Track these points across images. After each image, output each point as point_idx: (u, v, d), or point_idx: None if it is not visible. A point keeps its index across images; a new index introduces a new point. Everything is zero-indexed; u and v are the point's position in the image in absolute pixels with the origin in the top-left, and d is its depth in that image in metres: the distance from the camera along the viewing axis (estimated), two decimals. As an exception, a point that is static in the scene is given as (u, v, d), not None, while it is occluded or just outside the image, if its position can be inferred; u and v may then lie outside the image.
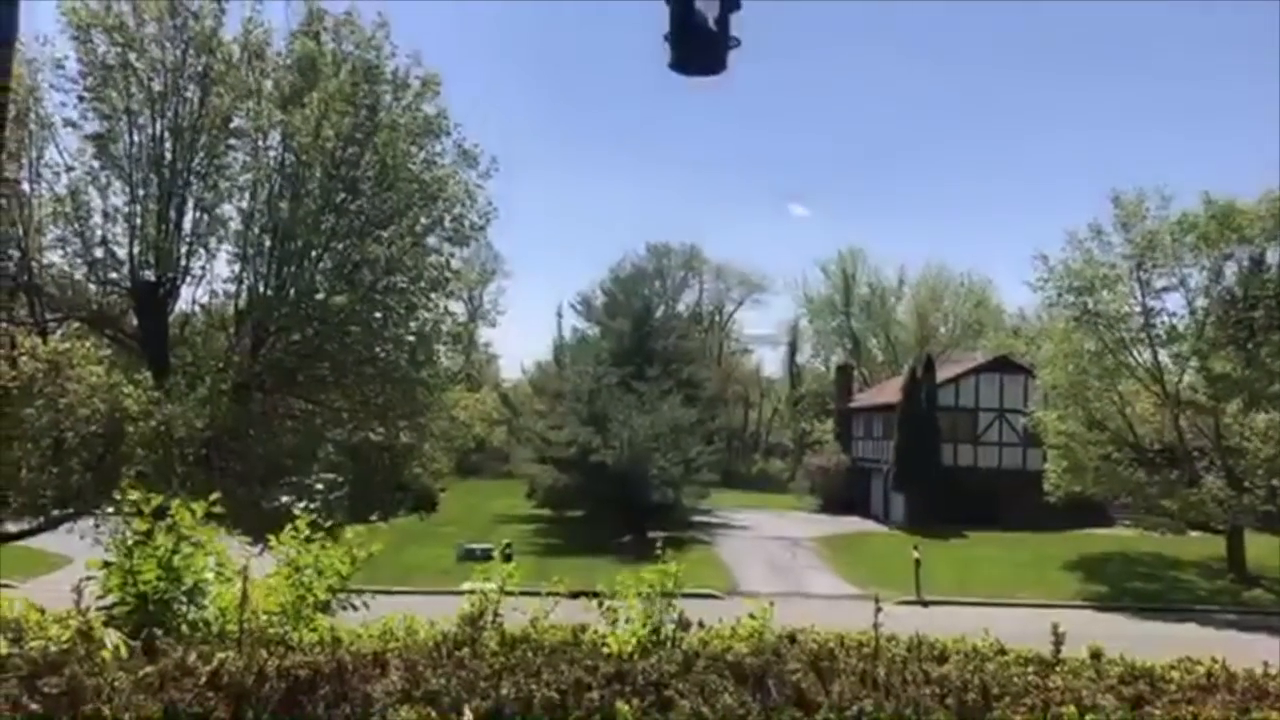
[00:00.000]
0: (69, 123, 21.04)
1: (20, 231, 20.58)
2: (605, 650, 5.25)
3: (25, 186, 20.78)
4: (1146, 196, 33.90)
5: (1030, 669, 4.75)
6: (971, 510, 44.75)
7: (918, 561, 31.43)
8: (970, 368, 53.39)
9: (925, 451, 46.71)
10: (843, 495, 54.87)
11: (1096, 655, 5.05)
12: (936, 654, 5.38)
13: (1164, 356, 34.76)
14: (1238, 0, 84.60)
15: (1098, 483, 36.23)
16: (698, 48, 1.89)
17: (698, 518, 46.15)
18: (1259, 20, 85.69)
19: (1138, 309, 34.53)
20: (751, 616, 6.44)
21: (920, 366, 50.39)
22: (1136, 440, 35.29)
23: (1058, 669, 4.81)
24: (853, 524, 48.59)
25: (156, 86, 20.90)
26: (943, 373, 52.08)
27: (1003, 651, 5.69)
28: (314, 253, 22.07)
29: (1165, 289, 34.27)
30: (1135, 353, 35.22)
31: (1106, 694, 4.10)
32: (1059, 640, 5.23)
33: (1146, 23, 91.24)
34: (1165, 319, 34.39)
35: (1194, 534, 36.63)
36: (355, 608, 7.51)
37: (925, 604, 29.71)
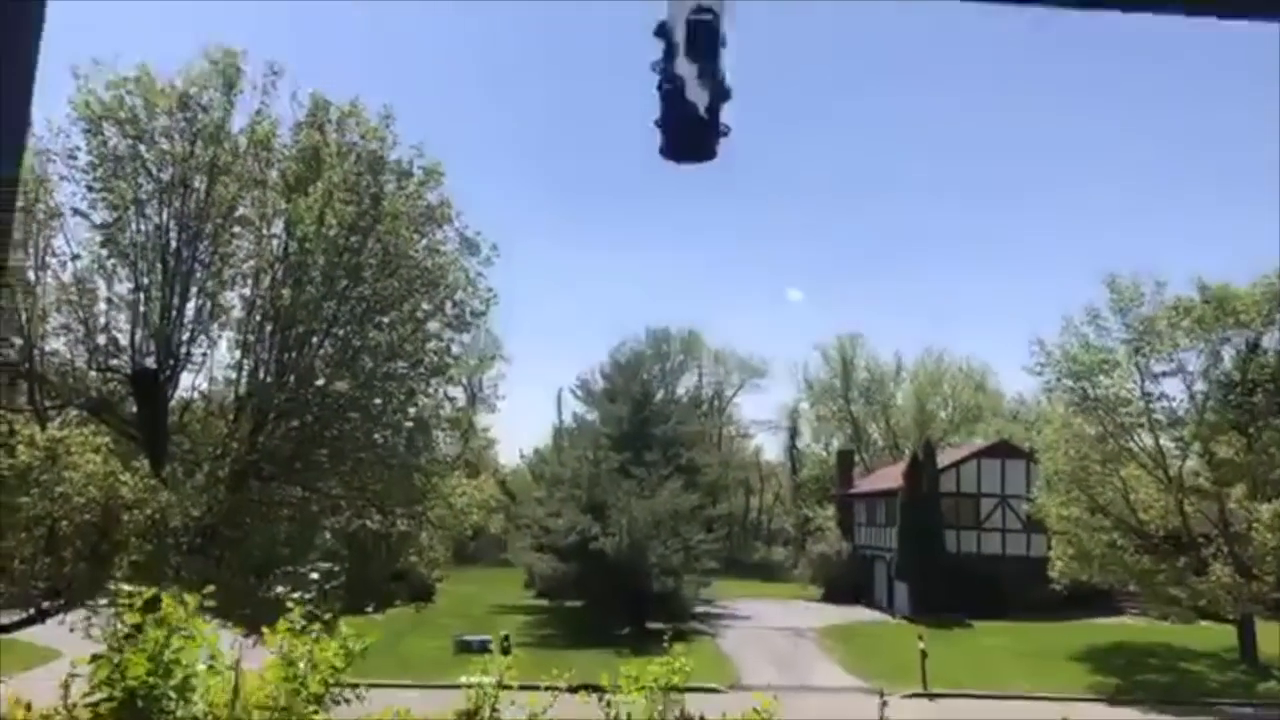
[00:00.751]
0: (78, 212, 21.38)
1: (24, 319, 20.71)
2: (605, 747, 5.10)
3: (31, 274, 20.99)
4: (1141, 281, 34.24)
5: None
6: (976, 598, 44.03)
7: (923, 652, 30.78)
8: (971, 453, 53.18)
9: (928, 538, 46.19)
10: (846, 583, 54.08)
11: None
12: (946, 750, 5.21)
13: (1166, 441, 34.62)
14: (1233, 100, 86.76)
15: (1103, 570, 35.70)
16: (689, 136, 1.93)
17: (699, 607, 45.34)
18: (1249, 116, 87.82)
19: (1137, 393, 34.53)
20: (756, 711, 6.28)
21: (921, 451, 50.20)
22: (1141, 526, 34.90)
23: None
24: (856, 613, 47.77)
25: (165, 177, 21.29)
26: (944, 458, 51.87)
27: (1015, 747, 5.52)
28: (315, 339, 22.18)
29: (1164, 373, 34.32)
30: (1136, 437, 35.08)
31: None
32: (1073, 735, 5.07)
33: (1140, 113, 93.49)
34: (1165, 403, 34.37)
35: (1204, 623, 35.96)
36: (349, 701, 7.33)
37: (931, 697, 28.99)
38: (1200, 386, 34.25)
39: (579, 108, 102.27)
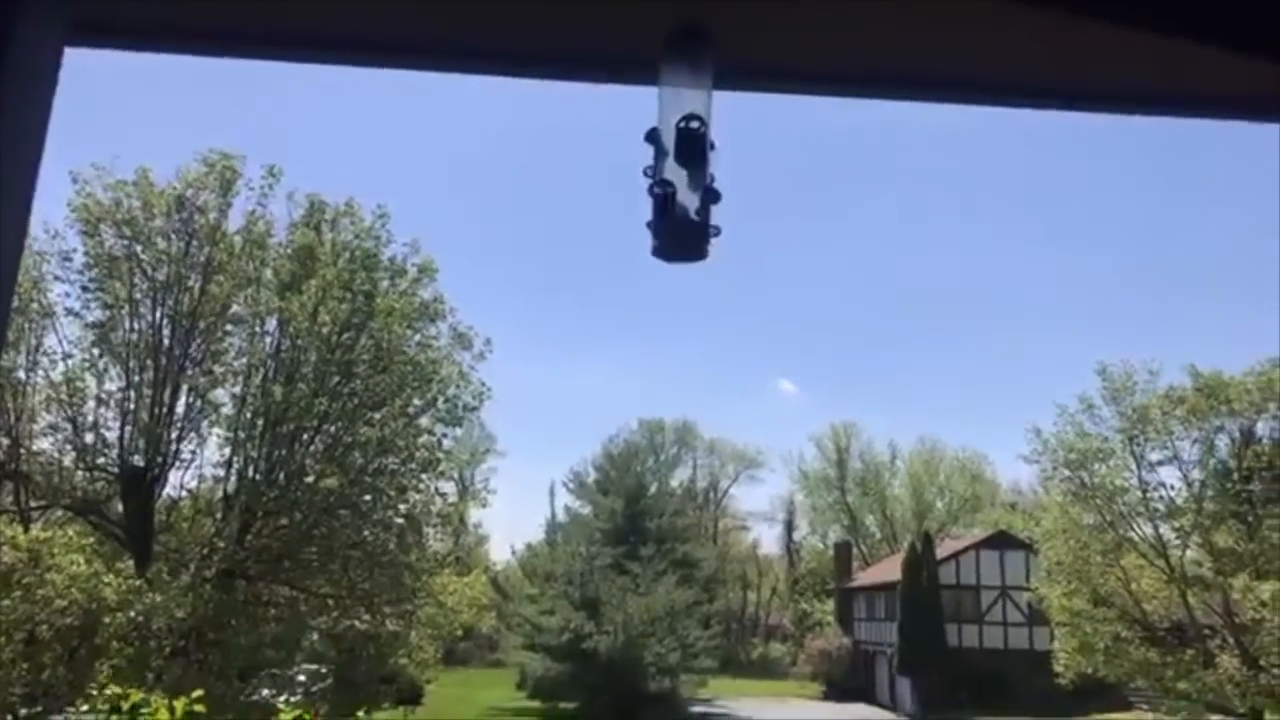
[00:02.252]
0: (71, 311, 21.49)
1: (12, 419, 20.61)
2: None
3: (21, 374, 20.97)
4: (1133, 370, 34.42)
5: None
6: (980, 693, 43.01)
7: (929, 752, 29.91)
8: (970, 543, 52.60)
9: (930, 632, 45.35)
10: (847, 680, 52.84)
11: None
12: None
13: (1165, 530, 34.33)
14: (1228, 194, 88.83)
15: (1109, 663, 34.94)
16: (679, 237, 1.96)
17: (697, 707, 44.17)
18: (1243, 211, 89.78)
19: (1134, 482, 34.37)
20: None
21: (920, 542, 49.66)
22: (1145, 617, 34.33)
23: None
24: (859, 711, 46.56)
25: (160, 276, 21.48)
26: (942, 549, 51.29)
27: None
28: (305, 435, 22.08)
29: (1160, 462, 34.23)
30: (1136, 526, 34.79)
31: None
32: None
33: (1136, 205, 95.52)
34: (1163, 492, 34.17)
35: (1214, 717, 35.07)
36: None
37: (939, 799, 28.05)
38: (1197, 475, 34.14)
39: (571, 207, 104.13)
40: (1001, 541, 50.20)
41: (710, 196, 2.02)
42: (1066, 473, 35.19)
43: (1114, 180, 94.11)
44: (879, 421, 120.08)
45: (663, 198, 2.01)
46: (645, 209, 2.02)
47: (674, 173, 2.00)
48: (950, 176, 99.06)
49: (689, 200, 2.00)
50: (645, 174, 2.00)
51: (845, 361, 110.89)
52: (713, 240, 2.05)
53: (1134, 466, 34.30)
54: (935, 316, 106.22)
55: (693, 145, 2.05)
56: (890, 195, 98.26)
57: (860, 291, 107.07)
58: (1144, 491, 34.14)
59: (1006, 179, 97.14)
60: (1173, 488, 34.24)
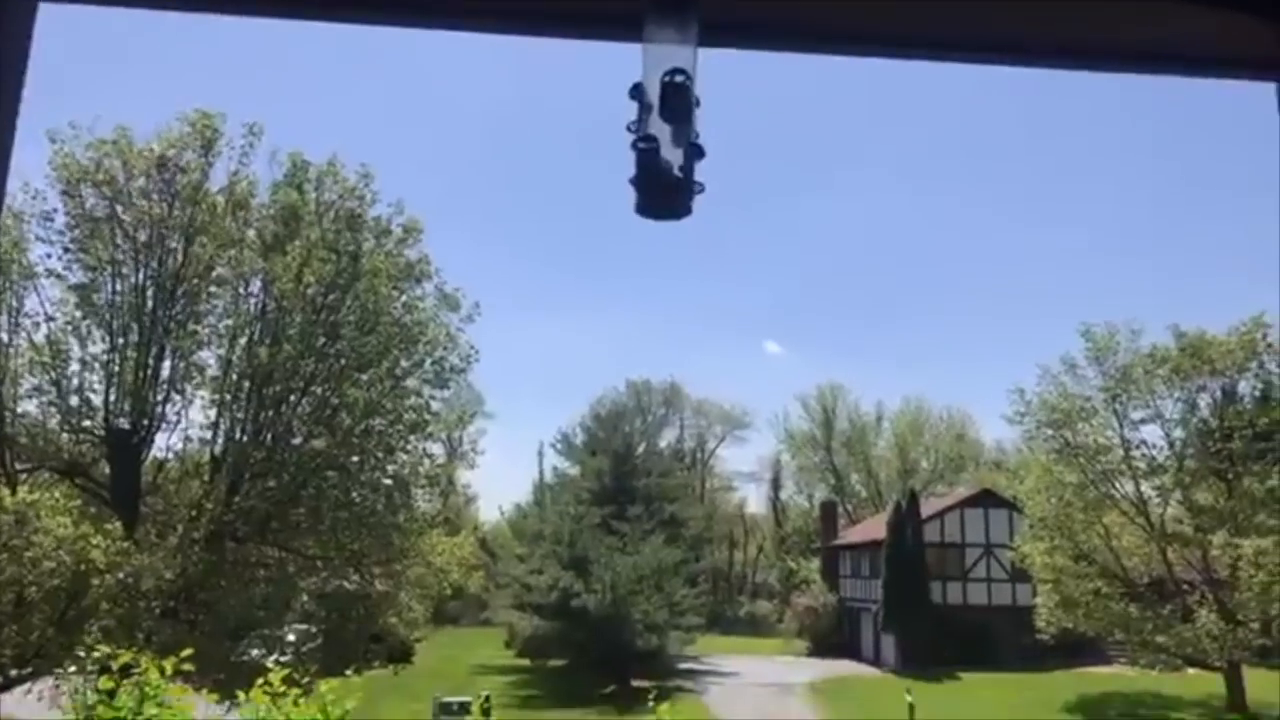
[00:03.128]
0: (53, 273, 21.29)
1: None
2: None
3: (4, 336, 20.82)
4: (1117, 330, 34.63)
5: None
6: (964, 649, 43.68)
7: (911, 706, 30.42)
8: (954, 502, 53.11)
9: (914, 590, 45.92)
10: (832, 637, 53.55)
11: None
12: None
13: (1146, 488, 34.76)
14: (1219, 153, 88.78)
15: (1089, 618, 35.55)
16: (663, 194, 1.95)
17: (684, 664, 44.71)
18: (1234, 168, 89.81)
19: (1116, 441, 34.74)
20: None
21: (904, 501, 50.12)
22: (1125, 573, 34.88)
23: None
24: (843, 667, 47.22)
25: (141, 238, 21.28)
26: (927, 508, 51.75)
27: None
28: (292, 397, 22.05)
29: (1142, 421, 34.58)
30: (1118, 484, 35.20)
31: None
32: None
33: (1122, 162, 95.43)
34: (1145, 451, 34.56)
35: (1192, 671, 35.79)
36: (325, 771, 7.14)
37: (922, 751, 28.60)
38: (1179, 434, 34.52)
39: (555, 165, 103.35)
40: (986, 500, 50.71)
41: (694, 153, 2.01)
42: (1049, 432, 35.53)
43: (1103, 144, 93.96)
44: (865, 382, 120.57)
45: (646, 153, 2.00)
46: (630, 166, 2.01)
47: (658, 129, 1.99)
48: (939, 138, 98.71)
49: (673, 156, 2.00)
50: (629, 129, 1.99)
51: (831, 322, 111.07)
52: (696, 197, 2.05)
53: (1116, 425, 34.65)
54: (921, 278, 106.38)
55: (677, 100, 2.03)
56: (878, 156, 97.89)
57: (846, 252, 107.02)
58: (1126, 450, 34.52)
59: (994, 141, 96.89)
60: (1154, 446, 34.67)
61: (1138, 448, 34.57)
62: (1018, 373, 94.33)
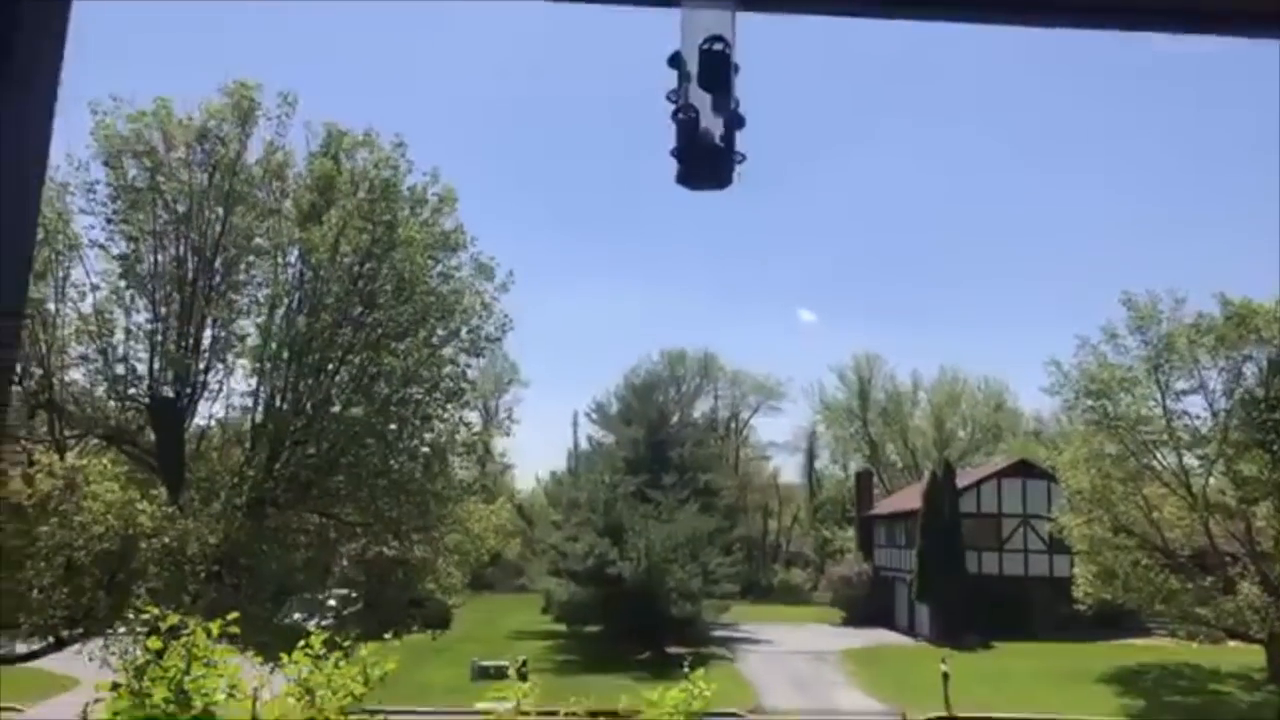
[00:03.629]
0: (96, 244, 21.63)
1: (44, 350, 20.91)
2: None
3: (51, 306, 21.22)
4: (1159, 299, 34.00)
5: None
6: (999, 620, 43.59)
7: (945, 675, 30.44)
8: (991, 472, 52.79)
9: (949, 560, 45.80)
10: (866, 606, 53.65)
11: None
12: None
13: (1189, 459, 34.26)
14: (1253, 110, 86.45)
15: (1128, 590, 35.26)
16: (704, 164, 1.93)
17: (718, 632, 45.04)
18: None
19: (1158, 412, 34.22)
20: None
21: (940, 471, 49.87)
22: (1166, 545, 34.50)
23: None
24: (878, 636, 47.32)
25: (181, 208, 21.52)
26: (964, 478, 51.48)
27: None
28: (330, 366, 22.29)
29: (1185, 391, 34.00)
30: (1159, 456, 34.73)
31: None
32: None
33: (1159, 125, 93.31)
34: (1187, 421, 34.03)
35: (1232, 643, 35.45)
36: (368, 730, 7.30)
37: (955, 720, 28.66)
38: (1223, 404, 33.91)
39: (589, 137, 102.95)
40: (1023, 470, 50.33)
41: (735, 121, 2.00)
42: (1089, 403, 35.06)
43: (1149, 108, 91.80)
44: (901, 352, 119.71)
45: (686, 123, 2.00)
46: (669, 136, 2.00)
47: (698, 98, 1.98)
48: (977, 104, 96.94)
49: (713, 126, 1.99)
50: (669, 99, 1.99)
51: (866, 292, 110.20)
52: (737, 166, 2.04)
53: (1158, 396, 34.11)
54: (958, 246, 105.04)
55: (716, 68, 2.02)
56: (914, 123, 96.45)
57: (882, 221, 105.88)
58: (1168, 420, 33.99)
59: (1036, 107, 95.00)
60: (1197, 417, 34.11)
61: (1180, 418, 34.04)
62: (1057, 343, 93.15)
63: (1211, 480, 34.48)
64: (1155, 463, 34.72)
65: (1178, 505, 34.21)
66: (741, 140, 2.07)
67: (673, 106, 2.05)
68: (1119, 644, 41.29)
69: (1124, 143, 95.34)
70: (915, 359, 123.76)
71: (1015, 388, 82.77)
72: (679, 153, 2.05)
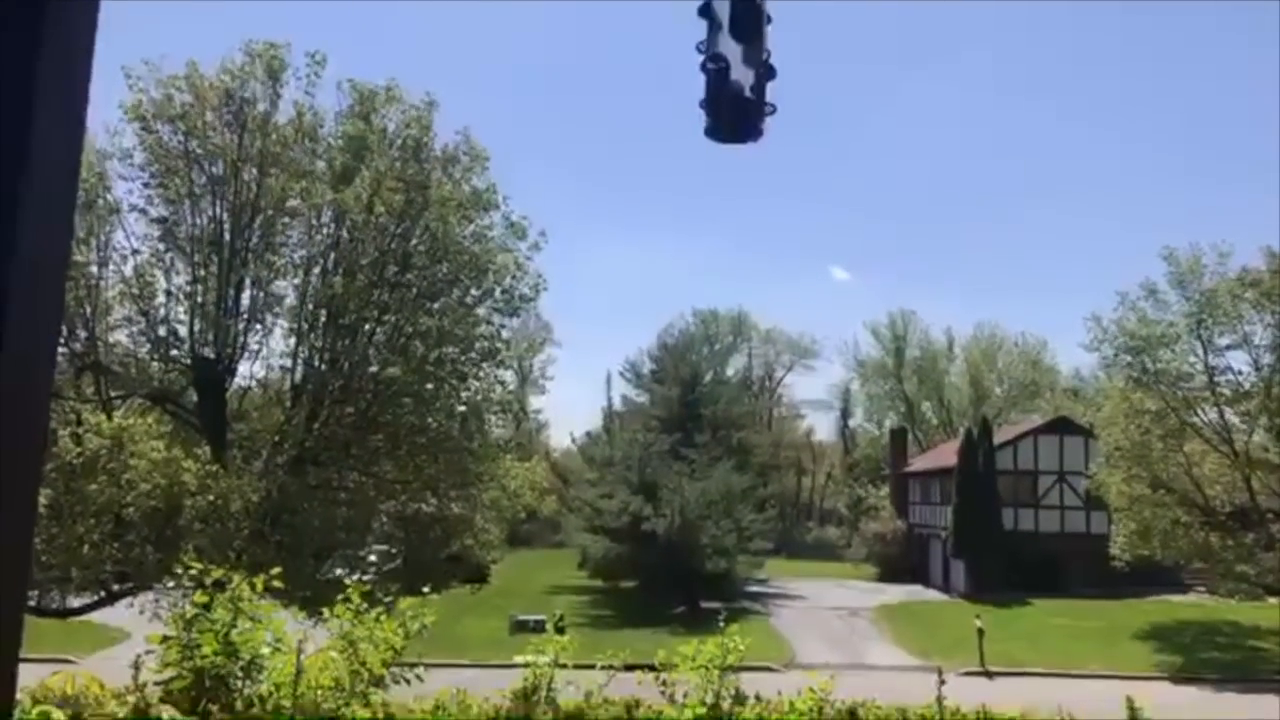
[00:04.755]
0: (135, 208, 21.89)
1: (88, 312, 21.30)
2: (661, 725, 5.13)
3: (94, 269, 21.56)
4: (1202, 252, 33.31)
5: (1106, 745, 4.54)
6: (1035, 576, 43.49)
7: (980, 631, 30.47)
8: (1028, 429, 52.37)
9: (985, 516, 45.64)
10: (900, 563, 53.72)
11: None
12: (1005, 729, 5.17)
13: (1231, 415, 33.75)
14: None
15: (1167, 547, 34.99)
16: (734, 115, 1.88)
17: (752, 587, 45.38)
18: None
19: (1200, 367, 33.67)
20: (811, 690, 6.28)
21: (976, 429, 49.54)
22: (1206, 502, 34.12)
23: (1135, 745, 4.59)
24: (911, 592, 47.43)
25: (216, 171, 21.69)
26: (1000, 435, 51.13)
27: (1075, 726, 5.46)
28: (367, 326, 22.49)
29: (1228, 346, 33.41)
30: (1200, 412, 34.24)
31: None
32: (1135, 714, 5.00)
33: (1200, 82, 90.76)
34: (1230, 376, 33.48)
35: (1273, 600, 35.11)
36: (409, 681, 7.47)
37: (990, 675, 28.73)
38: (1268, 359, 33.29)
39: (625, 90, 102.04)
40: (1061, 427, 49.89)
41: (766, 73, 1.97)
42: (1128, 359, 34.59)
43: (1185, 61, 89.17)
44: (935, 309, 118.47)
45: (716, 75, 1.97)
46: (699, 89, 1.96)
47: (728, 48, 1.95)
48: (1015, 55, 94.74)
49: (744, 77, 1.96)
50: (698, 50, 1.95)
51: (899, 248, 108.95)
52: (767, 119, 2.01)
53: (1200, 351, 33.56)
54: (994, 200, 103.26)
55: (747, 18, 1.98)
56: (950, 75, 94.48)
57: (914, 176, 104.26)
58: (1210, 376, 33.48)
59: (1074, 58, 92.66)
60: (1240, 372, 33.56)
61: (1222, 374, 33.51)
62: (1096, 298, 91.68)
63: (1254, 436, 33.99)
64: (1196, 419, 34.25)
65: (1219, 462, 33.79)
66: (772, 92, 2.04)
67: (701, 57, 2.02)
68: (1157, 601, 41.07)
69: (1169, 92, 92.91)
70: (950, 315, 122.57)
71: (1054, 343, 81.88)
72: (707, 104, 2.01)
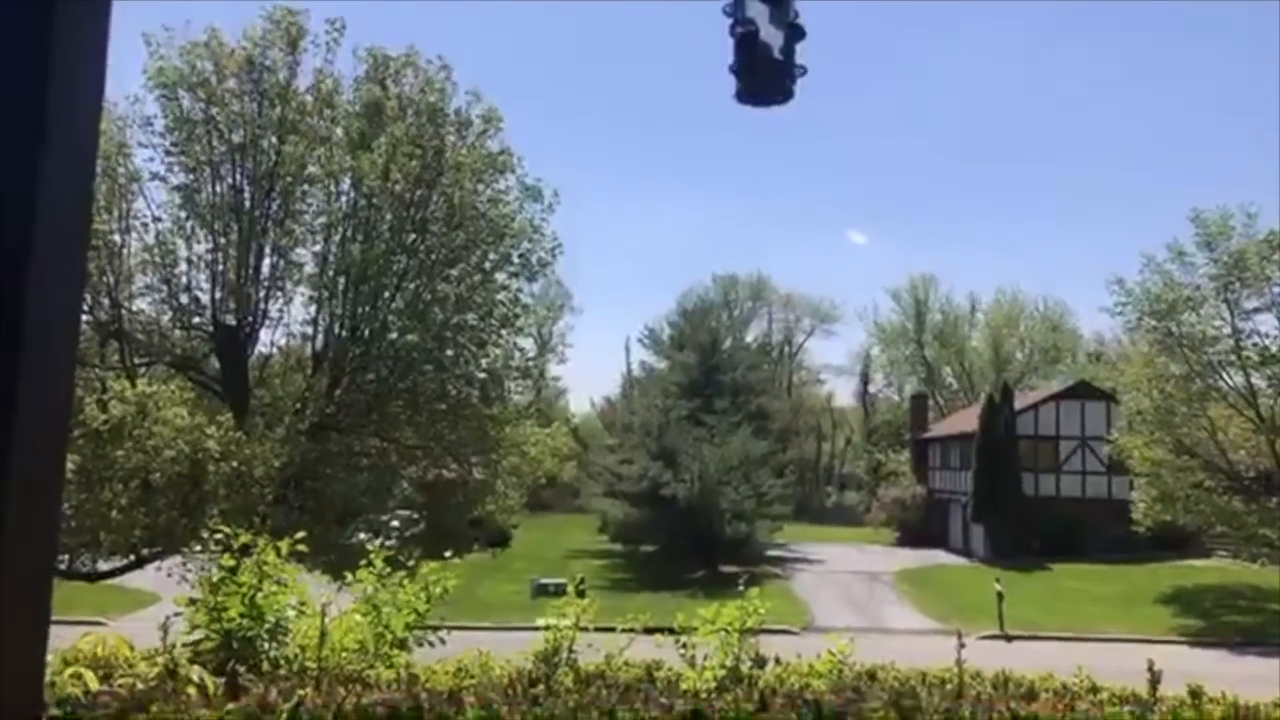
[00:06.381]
0: (156, 176, 21.97)
1: (111, 280, 21.47)
2: (682, 688, 5.18)
3: (116, 237, 21.69)
4: (1231, 214, 32.79)
5: (1126, 708, 4.54)
6: (1055, 541, 43.42)
7: (1000, 595, 30.52)
8: (1050, 394, 52.04)
9: (1005, 481, 45.52)
10: (920, 528, 53.74)
11: (1196, 694, 4.81)
12: (1024, 692, 5.19)
13: (1257, 379, 33.40)
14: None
15: (1189, 511, 34.83)
16: (763, 78, 1.84)
17: (771, 552, 45.55)
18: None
19: (1226, 331, 33.29)
20: (830, 652, 6.31)
21: (998, 393, 49.31)
22: (1230, 466, 33.89)
23: (1155, 708, 4.59)
24: (931, 557, 47.49)
25: (236, 138, 21.71)
26: (1021, 400, 50.86)
27: (1095, 689, 5.47)
28: (386, 293, 22.57)
29: (1256, 310, 32.98)
30: (1226, 376, 33.90)
31: (1210, 735, 3.89)
32: (1155, 677, 4.99)
33: (1236, 37, 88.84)
34: (1258, 340, 33.07)
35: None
36: (433, 644, 7.57)
37: (1009, 639, 28.80)
38: (1295, 322, 32.86)
39: (644, 52, 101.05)
40: (1082, 392, 49.56)
41: (795, 34, 1.94)
42: (1152, 323, 34.23)
43: (1218, 12, 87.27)
44: (955, 273, 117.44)
45: (745, 37, 1.94)
46: (725, 52, 1.94)
47: (755, 10, 1.92)
48: (1037, 15, 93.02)
49: (772, 39, 1.93)
50: (725, 13, 1.92)
51: (918, 212, 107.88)
52: (798, 80, 1.98)
53: (1227, 315, 33.16)
54: (1015, 162, 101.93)
55: (771, -23, 1.95)
56: (972, 34, 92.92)
57: (932, 138, 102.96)
58: (1236, 340, 33.10)
59: (1095, 17, 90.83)
60: (1267, 335, 33.16)
61: (1249, 337, 33.12)
62: (1119, 262, 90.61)
63: (1280, 401, 33.66)
64: (1222, 383, 33.94)
65: (1244, 426, 33.51)
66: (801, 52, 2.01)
67: (729, 21, 1.99)
68: (1178, 565, 40.95)
69: (1193, 51, 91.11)
70: (971, 280, 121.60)
71: (1076, 308, 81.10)
72: (737, 69, 1.98)
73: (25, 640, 1.14)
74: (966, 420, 53.77)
